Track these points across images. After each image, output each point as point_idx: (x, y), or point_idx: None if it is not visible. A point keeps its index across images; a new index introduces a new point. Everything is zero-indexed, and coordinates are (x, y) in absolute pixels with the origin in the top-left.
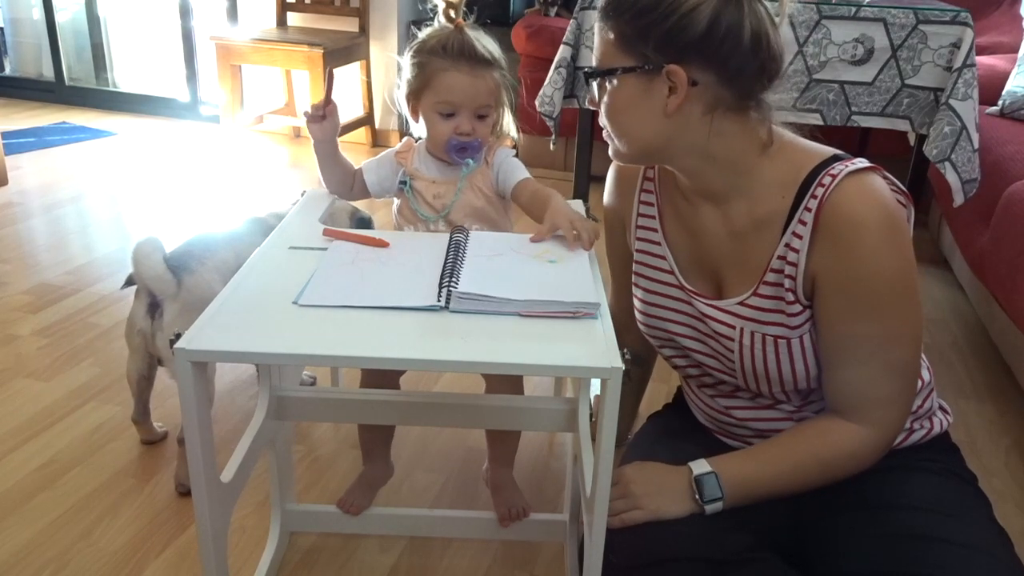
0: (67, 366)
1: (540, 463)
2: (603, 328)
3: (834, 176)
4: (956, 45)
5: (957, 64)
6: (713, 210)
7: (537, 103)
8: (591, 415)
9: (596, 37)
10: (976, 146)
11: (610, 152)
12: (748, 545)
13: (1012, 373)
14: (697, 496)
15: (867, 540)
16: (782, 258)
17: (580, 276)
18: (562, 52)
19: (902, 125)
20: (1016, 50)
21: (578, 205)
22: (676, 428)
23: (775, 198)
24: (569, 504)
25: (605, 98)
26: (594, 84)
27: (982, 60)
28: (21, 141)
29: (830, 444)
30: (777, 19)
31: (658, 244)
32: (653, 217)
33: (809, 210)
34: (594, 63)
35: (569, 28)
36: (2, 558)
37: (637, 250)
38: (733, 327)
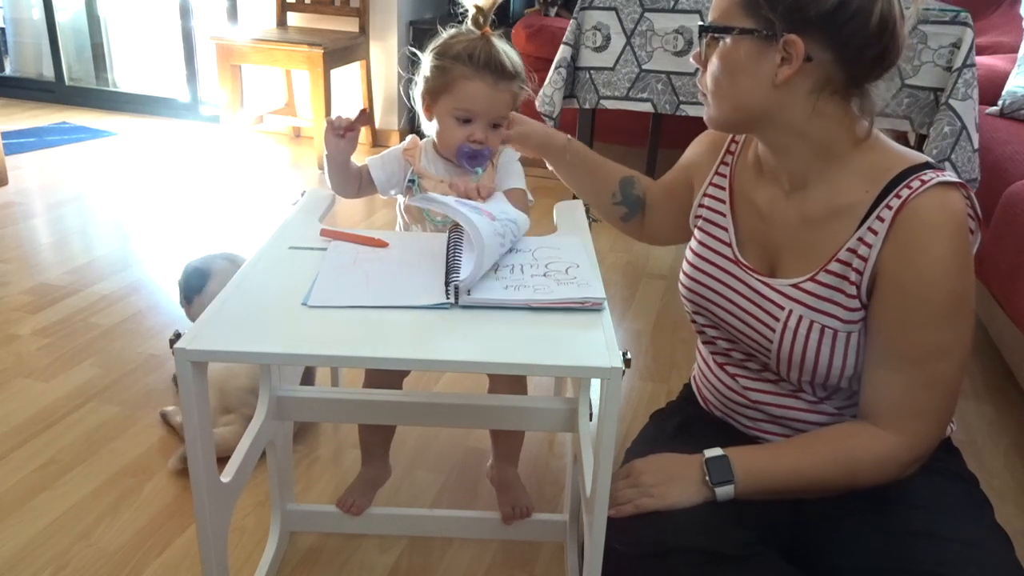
0: (67, 366)
1: (540, 463)
2: (603, 328)
3: (924, 182)
4: (956, 45)
5: (957, 64)
6: (788, 192)
7: (537, 103)
8: None
9: None
10: (976, 146)
11: (704, 117)
12: (748, 540)
13: (1012, 373)
14: (708, 478)
15: (867, 537)
16: (852, 251)
17: (584, 269)
18: (562, 52)
19: (902, 125)
20: (1016, 50)
21: (578, 207)
22: (677, 428)
23: (858, 191)
24: (569, 504)
25: (713, 57)
26: (703, 40)
27: (982, 60)
28: (21, 141)
29: (855, 445)
30: (907, 11)
31: (723, 215)
32: (723, 188)
33: (890, 208)
34: (709, 17)
35: (569, 28)
36: (2, 558)
37: (699, 216)
38: (783, 308)
